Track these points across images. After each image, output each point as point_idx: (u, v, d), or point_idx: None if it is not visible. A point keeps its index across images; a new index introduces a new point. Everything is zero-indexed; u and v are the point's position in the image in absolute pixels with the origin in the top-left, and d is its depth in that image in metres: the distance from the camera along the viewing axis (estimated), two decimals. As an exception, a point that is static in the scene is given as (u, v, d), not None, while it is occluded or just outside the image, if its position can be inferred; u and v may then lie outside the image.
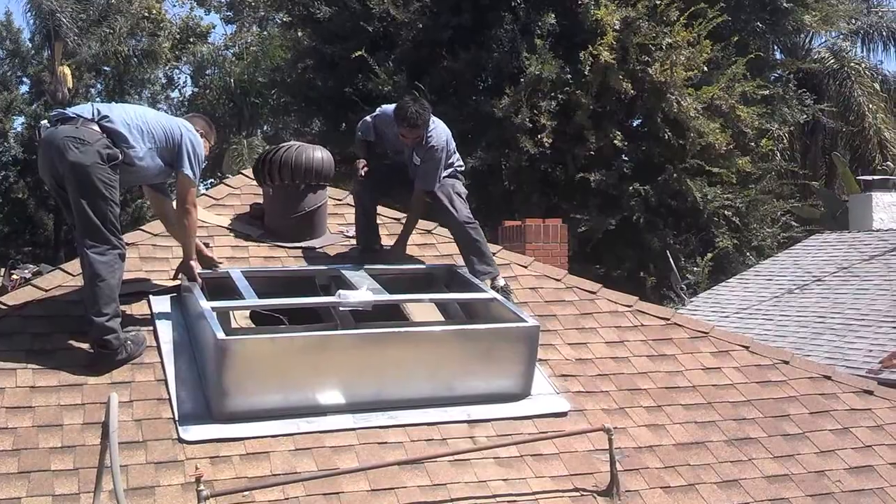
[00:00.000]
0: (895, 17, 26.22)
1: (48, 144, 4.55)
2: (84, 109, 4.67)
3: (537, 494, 4.08)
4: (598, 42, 14.68)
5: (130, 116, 4.74)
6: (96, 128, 4.55)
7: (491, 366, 4.65)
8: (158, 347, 4.64)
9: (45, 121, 4.74)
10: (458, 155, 5.88)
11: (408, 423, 4.40)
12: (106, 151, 4.50)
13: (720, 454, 4.50)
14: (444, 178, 5.67)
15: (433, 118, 5.59)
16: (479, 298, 5.14)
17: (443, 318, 5.21)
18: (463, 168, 5.98)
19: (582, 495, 4.12)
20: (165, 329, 4.77)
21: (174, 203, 5.07)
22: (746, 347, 5.41)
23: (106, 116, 4.62)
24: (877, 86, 23.82)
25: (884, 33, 25.68)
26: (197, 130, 5.02)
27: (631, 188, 15.36)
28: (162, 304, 4.97)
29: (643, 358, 5.18)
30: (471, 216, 5.67)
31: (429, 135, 5.53)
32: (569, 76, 14.99)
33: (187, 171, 4.82)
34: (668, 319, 5.59)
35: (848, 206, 17.13)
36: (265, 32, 30.53)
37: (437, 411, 4.49)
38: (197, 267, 4.98)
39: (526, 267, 6.00)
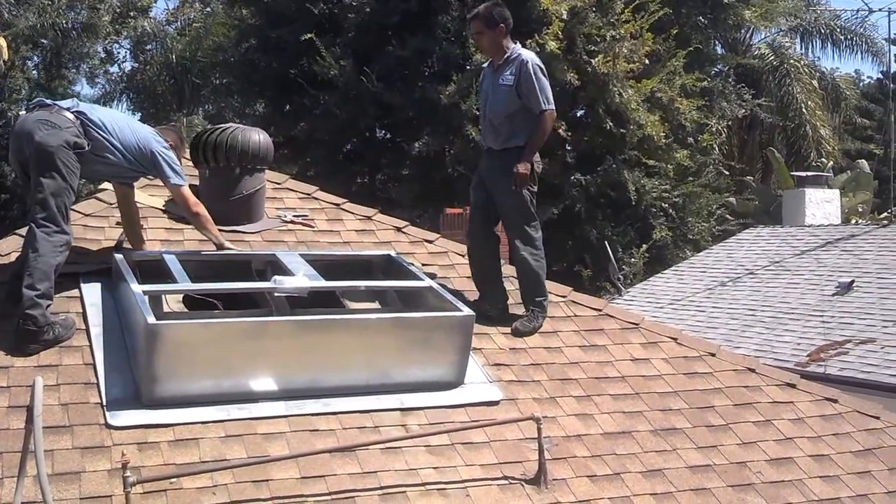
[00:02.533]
0: (833, 16, 26.85)
1: (20, 127, 4.68)
2: (64, 102, 4.87)
3: (466, 482, 4.12)
4: (544, 31, 14.78)
5: (108, 115, 4.94)
6: (70, 115, 4.69)
7: (426, 354, 4.68)
8: (87, 331, 4.57)
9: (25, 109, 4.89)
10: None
11: (340, 410, 4.40)
12: (73, 139, 4.62)
13: (646, 444, 4.60)
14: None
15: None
16: (415, 286, 5.16)
17: (379, 306, 5.23)
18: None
19: (510, 483, 4.17)
20: (95, 312, 4.70)
21: (135, 192, 5.28)
22: (675, 339, 5.53)
23: (82, 112, 4.79)
24: (815, 83, 24.38)
25: (822, 31, 26.29)
26: (168, 141, 5.13)
27: (573, 178, 15.51)
28: (92, 287, 4.89)
29: (575, 348, 5.26)
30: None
31: (511, 52, 5.41)
32: (514, 65, 15.07)
33: (175, 180, 5.01)
34: (601, 310, 5.68)
35: (781, 202, 17.57)
36: (209, 9, 29.98)
37: (371, 399, 4.50)
38: (229, 246, 5.25)
39: (464, 256, 6.04)
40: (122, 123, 4.97)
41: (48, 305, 4.45)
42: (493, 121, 5.50)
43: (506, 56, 5.46)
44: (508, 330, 5.30)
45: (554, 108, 5.45)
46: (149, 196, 5.82)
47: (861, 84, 38.36)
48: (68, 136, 4.60)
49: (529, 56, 5.45)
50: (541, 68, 5.43)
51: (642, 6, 15.47)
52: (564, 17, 14.99)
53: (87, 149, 4.68)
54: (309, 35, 15.17)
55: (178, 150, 5.28)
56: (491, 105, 5.53)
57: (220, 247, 5.22)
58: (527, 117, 5.40)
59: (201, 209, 5.15)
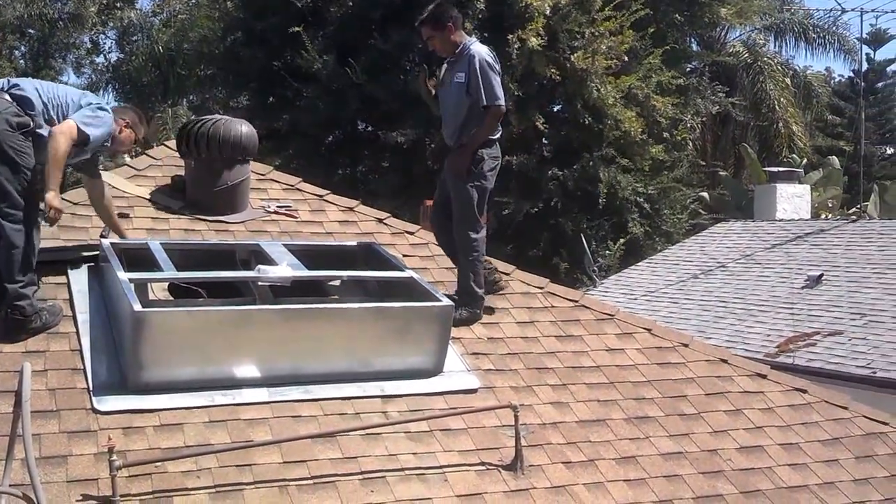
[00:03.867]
0: (806, 14, 27.17)
1: None
2: None
3: (444, 468, 4.22)
4: (527, 27, 14.87)
5: (42, 88, 4.75)
6: (6, 97, 4.57)
7: (405, 343, 4.77)
8: (74, 318, 4.63)
9: None
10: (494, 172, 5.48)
11: (322, 397, 4.48)
12: (15, 119, 4.50)
13: (619, 431, 4.71)
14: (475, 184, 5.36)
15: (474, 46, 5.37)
16: (396, 277, 5.25)
17: (360, 295, 5.31)
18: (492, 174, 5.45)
19: (487, 469, 4.27)
20: (82, 299, 4.75)
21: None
22: (649, 330, 5.65)
23: (16, 85, 4.65)
24: (788, 80, 24.68)
25: (796, 29, 26.58)
26: (123, 119, 5.03)
27: (550, 172, 15.65)
28: (79, 274, 4.95)
29: (551, 338, 5.36)
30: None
31: (464, 46, 5.35)
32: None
33: (73, 120, 4.63)
34: (577, 301, 5.79)
35: (753, 196, 17.80)
36: (194, 0, 29.77)
37: (352, 386, 4.59)
38: (54, 202, 4.57)
39: (443, 247, 6.13)
40: (60, 91, 4.80)
41: (34, 292, 4.49)
42: (447, 118, 5.51)
43: (458, 51, 5.42)
44: (487, 320, 5.39)
45: (502, 103, 5.35)
46: (135, 186, 5.87)
47: (832, 82, 38.75)
48: (9, 117, 4.48)
49: (478, 51, 5.35)
50: (489, 63, 5.32)
51: (623, 3, 15.59)
52: (547, 12, 15.08)
53: (32, 126, 4.53)
54: (296, 28, 15.19)
55: (135, 128, 5.14)
56: (445, 102, 5.54)
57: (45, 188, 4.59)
58: (479, 114, 5.35)
59: (61, 138, 4.56)
